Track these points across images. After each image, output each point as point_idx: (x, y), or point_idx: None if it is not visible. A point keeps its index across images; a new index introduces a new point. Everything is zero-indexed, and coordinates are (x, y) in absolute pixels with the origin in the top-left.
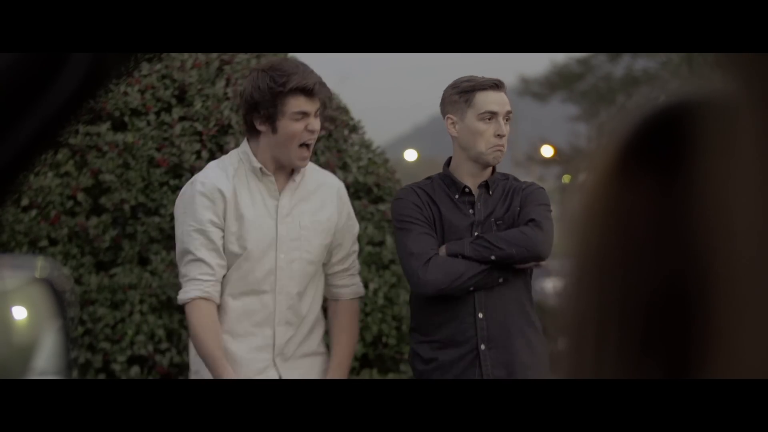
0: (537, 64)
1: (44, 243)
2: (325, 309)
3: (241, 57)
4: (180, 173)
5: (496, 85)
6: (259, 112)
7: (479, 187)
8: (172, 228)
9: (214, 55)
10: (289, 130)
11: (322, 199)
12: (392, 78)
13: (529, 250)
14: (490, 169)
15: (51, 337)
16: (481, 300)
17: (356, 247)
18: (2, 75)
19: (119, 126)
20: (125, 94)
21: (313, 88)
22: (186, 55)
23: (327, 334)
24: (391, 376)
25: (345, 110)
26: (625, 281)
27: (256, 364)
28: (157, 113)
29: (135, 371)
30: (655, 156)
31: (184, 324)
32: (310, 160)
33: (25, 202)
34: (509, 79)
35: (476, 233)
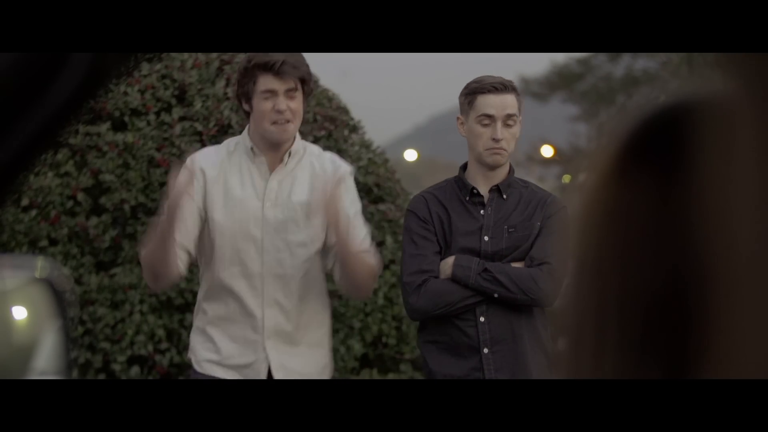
0: (537, 64)
1: (44, 243)
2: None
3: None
4: None
5: (497, 88)
6: (240, 90)
7: (491, 190)
8: None
9: (214, 55)
10: (259, 108)
11: (316, 181)
12: (392, 78)
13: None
14: (504, 172)
15: (51, 337)
16: (483, 304)
17: (360, 231)
18: (2, 75)
19: (119, 126)
20: (125, 94)
21: (275, 66)
22: (186, 55)
23: (337, 333)
24: (391, 376)
25: (345, 110)
26: (625, 281)
27: (246, 345)
28: (157, 113)
29: (135, 371)
30: (655, 156)
31: (184, 324)
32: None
33: (25, 202)
34: (509, 79)
35: (486, 237)
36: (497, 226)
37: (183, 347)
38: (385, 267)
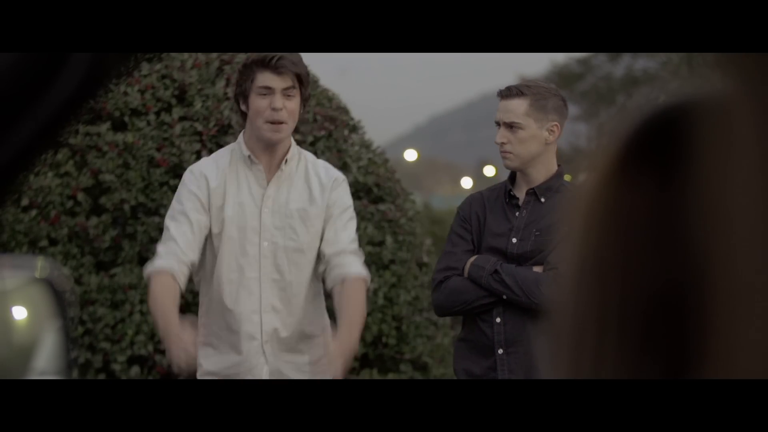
0: (537, 64)
1: (44, 243)
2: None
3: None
4: (180, 173)
5: (503, 94)
6: (238, 89)
7: (528, 193)
8: None
9: (214, 55)
10: (255, 105)
11: (312, 188)
12: (392, 78)
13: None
14: (543, 175)
15: (51, 337)
16: (500, 305)
17: (350, 235)
18: (2, 75)
19: (119, 126)
20: (125, 94)
21: (272, 60)
22: (186, 55)
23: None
24: (391, 376)
25: (345, 110)
26: (625, 281)
27: (247, 350)
28: (157, 113)
29: (135, 371)
30: (655, 156)
31: None
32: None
33: (25, 202)
34: (509, 79)
35: (514, 239)
36: (528, 228)
37: None
38: (385, 267)
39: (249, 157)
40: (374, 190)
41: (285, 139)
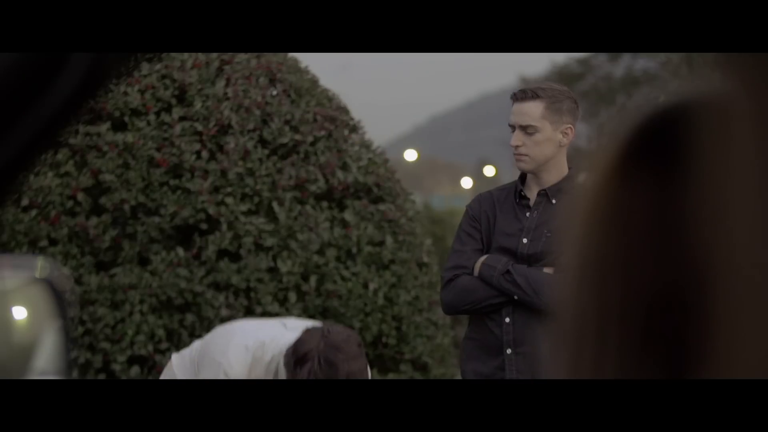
0: (537, 64)
1: (44, 243)
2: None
3: (241, 57)
4: (180, 173)
5: (517, 97)
6: None
7: (539, 194)
8: (172, 228)
9: (214, 55)
10: None
11: None
12: (392, 78)
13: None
14: (554, 176)
15: (51, 337)
16: (510, 305)
17: None
18: (2, 75)
19: (119, 126)
20: (125, 94)
21: None
22: (186, 55)
23: None
24: (391, 376)
25: (345, 110)
26: (626, 281)
27: None
28: (157, 113)
29: (135, 371)
30: (655, 156)
31: (184, 324)
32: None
33: (25, 202)
34: (509, 79)
35: (525, 239)
36: (539, 229)
37: (183, 347)
38: (385, 267)
39: None
40: (374, 190)
41: None
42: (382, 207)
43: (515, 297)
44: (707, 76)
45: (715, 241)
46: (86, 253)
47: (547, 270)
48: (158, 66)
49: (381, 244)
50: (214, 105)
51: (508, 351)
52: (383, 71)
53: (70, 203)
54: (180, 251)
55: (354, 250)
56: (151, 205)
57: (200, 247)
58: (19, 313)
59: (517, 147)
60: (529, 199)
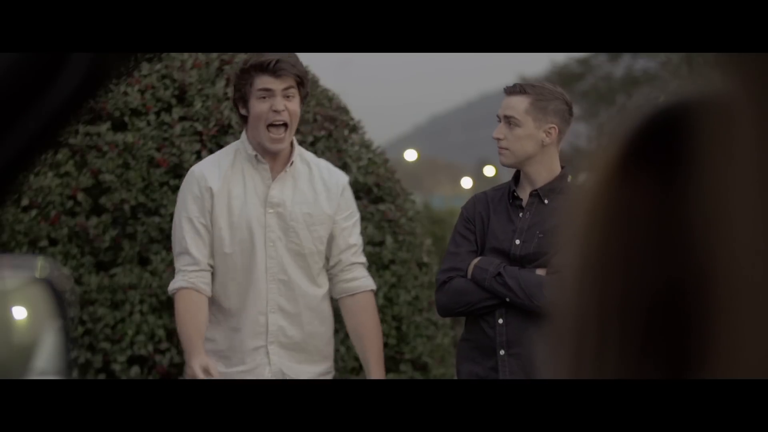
0: (537, 64)
1: (44, 243)
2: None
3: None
4: (180, 173)
5: (506, 91)
6: (237, 94)
7: (531, 195)
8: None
9: (214, 55)
10: (255, 109)
11: (317, 192)
12: (393, 78)
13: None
14: (546, 176)
15: (51, 337)
16: (503, 307)
17: (356, 241)
18: (2, 75)
19: (119, 126)
20: (125, 94)
21: (270, 64)
22: (186, 55)
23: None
24: (391, 376)
25: (345, 110)
26: (626, 281)
27: (249, 351)
28: (157, 113)
29: (135, 371)
30: (656, 156)
31: None
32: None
33: (25, 202)
34: (509, 79)
35: (517, 241)
36: (531, 230)
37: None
38: (385, 267)
39: (255, 156)
40: (374, 190)
41: (287, 146)
42: (382, 207)
43: (507, 299)
44: (707, 76)
45: (715, 240)
46: (86, 253)
47: (539, 272)
48: (158, 66)
49: (381, 244)
50: (214, 105)
51: (501, 352)
52: (383, 71)
53: (70, 203)
54: None
55: None
56: (151, 205)
57: None
58: (19, 313)
59: (498, 140)
60: (521, 199)
